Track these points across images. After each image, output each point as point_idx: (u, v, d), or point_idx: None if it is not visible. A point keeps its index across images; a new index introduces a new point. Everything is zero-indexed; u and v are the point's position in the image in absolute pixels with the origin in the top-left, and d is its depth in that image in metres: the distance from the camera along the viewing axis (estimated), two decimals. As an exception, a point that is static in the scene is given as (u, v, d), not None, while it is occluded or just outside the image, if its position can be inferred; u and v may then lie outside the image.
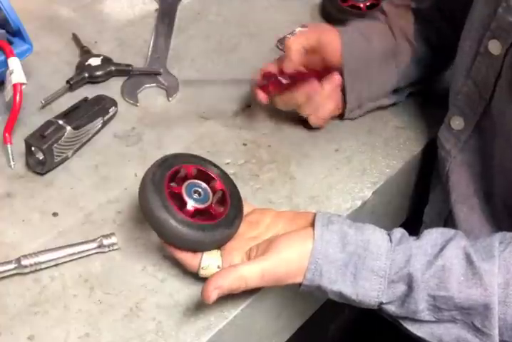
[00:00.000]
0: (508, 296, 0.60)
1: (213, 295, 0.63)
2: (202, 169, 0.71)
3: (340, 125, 0.90)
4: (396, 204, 0.92)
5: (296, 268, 0.64)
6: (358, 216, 0.80)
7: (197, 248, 0.68)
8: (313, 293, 0.67)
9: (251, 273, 0.64)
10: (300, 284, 0.65)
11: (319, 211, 0.68)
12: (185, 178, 0.70)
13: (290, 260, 0.64)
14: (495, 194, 0.77)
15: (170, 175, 0.68)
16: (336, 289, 0.64)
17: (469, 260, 0.62)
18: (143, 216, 0.68)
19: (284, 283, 0.65)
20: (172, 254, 0.69)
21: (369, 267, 0.63)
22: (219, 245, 0.69)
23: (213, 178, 0.71)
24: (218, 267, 0.68)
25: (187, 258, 0.68)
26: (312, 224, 0.66)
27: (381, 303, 0.64)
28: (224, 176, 0.73)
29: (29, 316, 0.67)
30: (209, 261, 0.68)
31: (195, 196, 0.69)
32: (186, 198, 0.68)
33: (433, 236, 0.65)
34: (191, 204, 0.67)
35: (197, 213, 0.68)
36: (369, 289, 0.63)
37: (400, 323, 0.65)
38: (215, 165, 0.73)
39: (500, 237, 0.64)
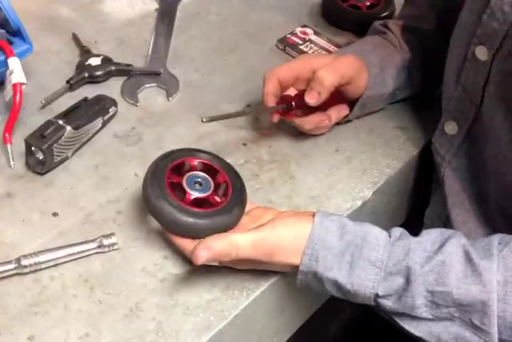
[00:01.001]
0: (507, 294, 0.60)
1: (202, 254, 0.63)
2: (207, 163, 0.73)
3: (340, 125, 0.90)
4: (396, 204, 0.92)
5: (289, 245, 0.66)
6: (358, 216, 0.80)
7: (195, 234, 0.68)
8: (311, 286, 0.67)
9: (243, 240, 0.65)
10: (297, 276, 0.66)
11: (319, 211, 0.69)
12: (189, 171, 0.72)
13: (284, 235, 0.66)
14: (489, 197, 0.77)
15: (174, 167, 0.71)
16: (332, 277, 0.64)
17: (468, 258, 0.62)
18: (144, 203, 0.70)
19: (277, 260, 0.66)
20: (171, 240, 0.70)
21: (366, 257, 0.64)
22: (217, 232, 0.69)
23: (217, 171, 0.73)
24: None
25: (185, 244, 0.69)
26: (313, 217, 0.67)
27: (378, 296, 0.64)
28: (229, 169, 0.75)
29: (29, 316, 0.67)
30: None
31: (196, 186, 0.71)
32: (186, 187, 0.70)
33: (432, 235, 0.66)
34: (191, 193, 0.70)
35: (198, 202, 0.70)
36: (365, 279, 0.64)
37: (397, 323, 0.65)
38: (220, 158, 0.75)
39: (499, 238, 0.65)
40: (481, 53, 0.72)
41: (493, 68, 0.71)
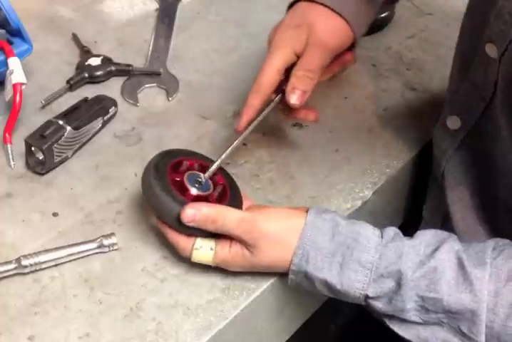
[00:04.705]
0: (496, 305, 0.60)
1: (190, 212, 0.65)
2: (204, 164, 0.73)
3: (340, 124, 0.90)
4: (396, 204, 0.92)
5: (276, 234, 0.66)
6: (358, 216, 0.80)
7: (193, 231, 0.68)
8: (302, 285, 0.67)
9: (231, 214, 0.66)
10: (288, 275, 0.67)
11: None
12: (187, 170, 0.72)
13: (272, 222, 0.66)
14: (495, 194, 0.76)
15: (173, 165, 0.71)
16: (322, 277, 0.65)
17: (461, 265, 0.62)
18: (144, 197, 0.69)
19: (260, 245, 0.66)
20: (167, 236, 0.70)
21: (357, 258, 0.64)
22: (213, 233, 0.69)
23: (215, 173, 0.73)
24: (211, 249, 0.68)
25: (181, 240, 0.69)
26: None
27: (368, 297, 0.64)
28: (225, 172, 0.75)
29: (29, 316, 0.67)
30: (202, 243, 0.68)
31: (197, 185, 0.71)
32: (188, 185, 0.70)
33: (426, 237, 0.65)
34: (192, 191, 0.70)
35: (197, 201, 0.69)
36: (354, 280, 0.64)
37: (387, 324, 0.65)
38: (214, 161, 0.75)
39: (493, 244, 0.64)
40: (492, 50, 0.70)
41: (502, 65, 0.69)
